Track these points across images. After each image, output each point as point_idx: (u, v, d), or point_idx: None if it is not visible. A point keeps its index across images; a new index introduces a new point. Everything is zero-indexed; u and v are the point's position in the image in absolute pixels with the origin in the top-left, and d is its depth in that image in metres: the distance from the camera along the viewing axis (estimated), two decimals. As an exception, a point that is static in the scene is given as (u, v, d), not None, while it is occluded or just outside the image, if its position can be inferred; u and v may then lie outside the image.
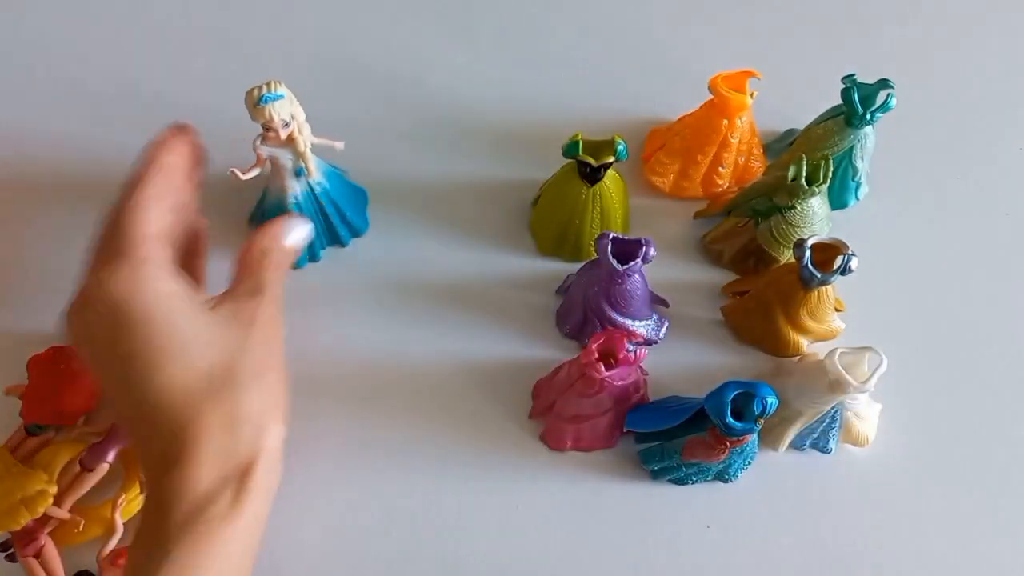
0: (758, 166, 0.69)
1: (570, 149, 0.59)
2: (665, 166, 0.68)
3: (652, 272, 0.59)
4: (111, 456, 0.54)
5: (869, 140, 0.64)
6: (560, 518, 0.55)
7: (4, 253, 0.65)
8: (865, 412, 0.57)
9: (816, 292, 0.57)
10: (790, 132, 0.71)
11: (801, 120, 0.68)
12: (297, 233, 0.51)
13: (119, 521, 0.52)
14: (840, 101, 0.62)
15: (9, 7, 0.78)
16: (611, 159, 0.58)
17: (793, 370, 0.59)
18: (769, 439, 0.57)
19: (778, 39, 0.80)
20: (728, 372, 0.61)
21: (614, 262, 0.55)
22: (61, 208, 0.66)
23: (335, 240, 0.65)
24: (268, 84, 0.54)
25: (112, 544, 0.52)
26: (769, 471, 0.57)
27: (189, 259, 0.49)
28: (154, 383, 0.40)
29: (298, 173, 0.59)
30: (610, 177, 0.61)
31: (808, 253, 0.55)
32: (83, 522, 0.53)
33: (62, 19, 0.78)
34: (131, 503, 0.54)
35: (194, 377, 0.40)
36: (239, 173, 0.57)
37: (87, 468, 0.53)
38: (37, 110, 0.72)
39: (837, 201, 0.67)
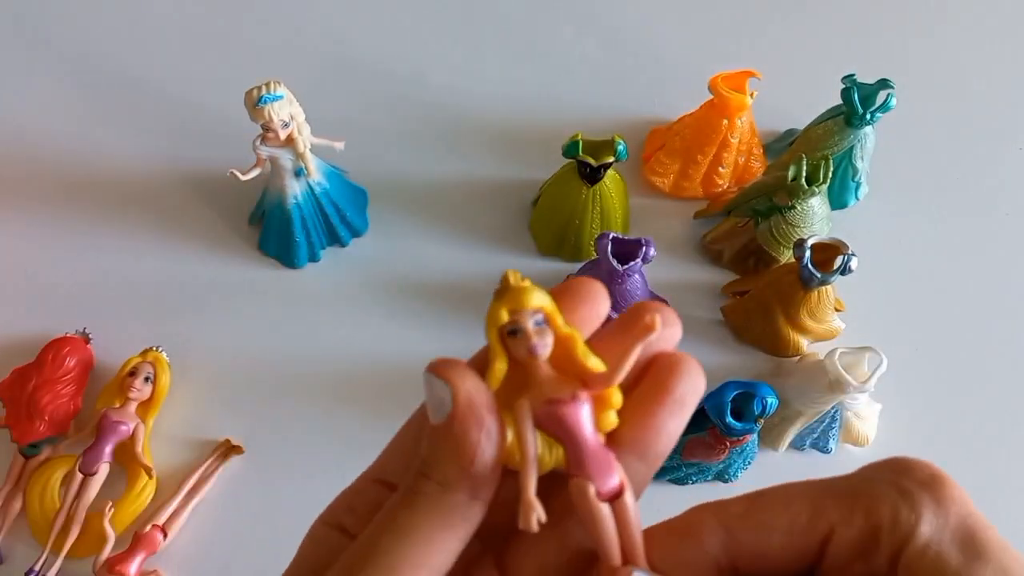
0: (758, 166, 0.69)
1: (570, 149, 0.59)
2: (665, 166, 0.68)
3: (652, 272, 0.59)
4: (108, 455, 0.54)
5: (869, 140, 0.64)
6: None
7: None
8: (865, 412, 0.57)
9: (816, 292, 0.57)
10: (790, 132, 0.71)
11: (801, 120, 0.68)
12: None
13: (109, 530, 0.52)
14: (840, 101, 0.62)
15: (8, 5, 0.78)
16: (611, 159, 0.58)
17: (793, 370, 0.59)
18: (769, 439, 0.57)
19: (778, 39, 0.80)
20: (728, 372, 0.61)
21: (614, 262, 0.55)
22: (49, 207, 0.67)
23: (335, 240, 0.65)
24: (267, 84, 0.54)
25: (106, 553, 0.52)
26: (769, 471, 0.57)
27: None
28: None
29: (298, 173, 0.59)
30: (610, 177, 0.61)
31: (808, 253, 0.55)
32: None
33: (61, 18, 0.78)
34: (122, 511, 0.54)
35: None
36: (239, 174, 0.57)
37: (87, 472, 0.53)
38: (29, 109, 0.72)
39: (837, 201, 0.67)
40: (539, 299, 0.21)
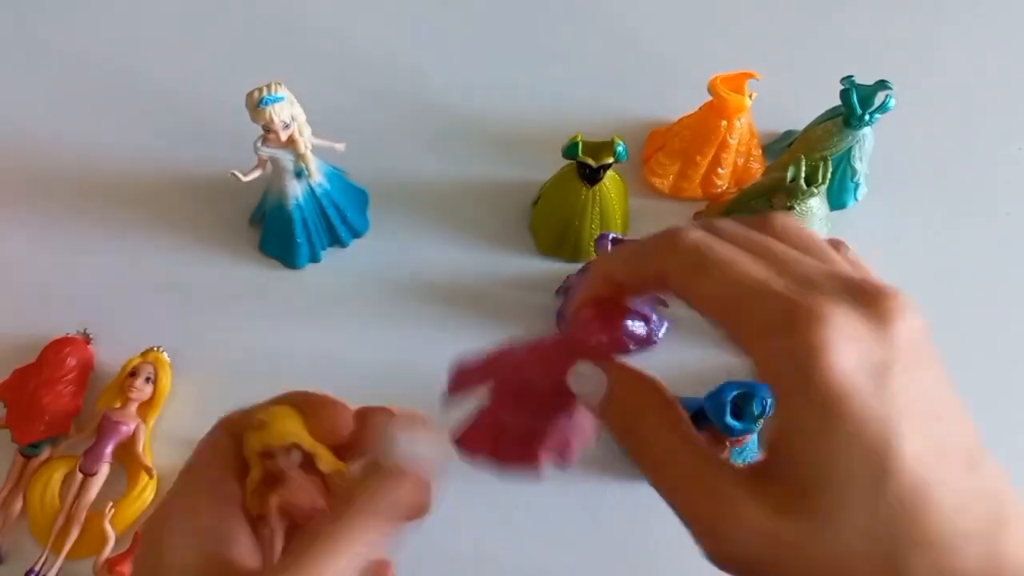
0: (757, 167, 0.69)
1: (570, 150, 0.59)
2: (664, 167, 0.68)
3: (652, 272, 0.59)
4: (109, 455, 0.54)
5: (868, 141, 0.64)
6: (560, 518, 0.55)
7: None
8: (864, 412, 0.57)
9: (815, 292, 0.57)
10: (789, 133, 0.71)
11: (800, 121, 0.68)
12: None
13: (109, 530, 0.52)
14: (839, 102, 0.62)
15: (7, 4, 0.78)
16: (610, 160, 0.58)
17: (792, 370, 0.59)
18: (768, 439, 0.57)
19: (777, 40, 0.80)
20: (728, 372, 0.61)
21: (614, 263, 0.55)
22: (50, 208, 0.67)
23: (335, 241, 0.65)
24: (268, 86, 0.54)
25: (106, 553, 0.52)
26: (768, 471, 0.57)
27: None
28: None
29: (299, 174, 0.59)
30: (610, 178, 0.61)
31: (807, 254, 0.55)
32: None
33: (61, 17, 0.78)
34: (122, 511, 0.54)
35: None
36: (240, 175, 0.58)
37: (88, 473, 0.53)
38: (29, 109, 0.72)
39: (836, 202, 0.67)
40: (290, 434, 0.29)
